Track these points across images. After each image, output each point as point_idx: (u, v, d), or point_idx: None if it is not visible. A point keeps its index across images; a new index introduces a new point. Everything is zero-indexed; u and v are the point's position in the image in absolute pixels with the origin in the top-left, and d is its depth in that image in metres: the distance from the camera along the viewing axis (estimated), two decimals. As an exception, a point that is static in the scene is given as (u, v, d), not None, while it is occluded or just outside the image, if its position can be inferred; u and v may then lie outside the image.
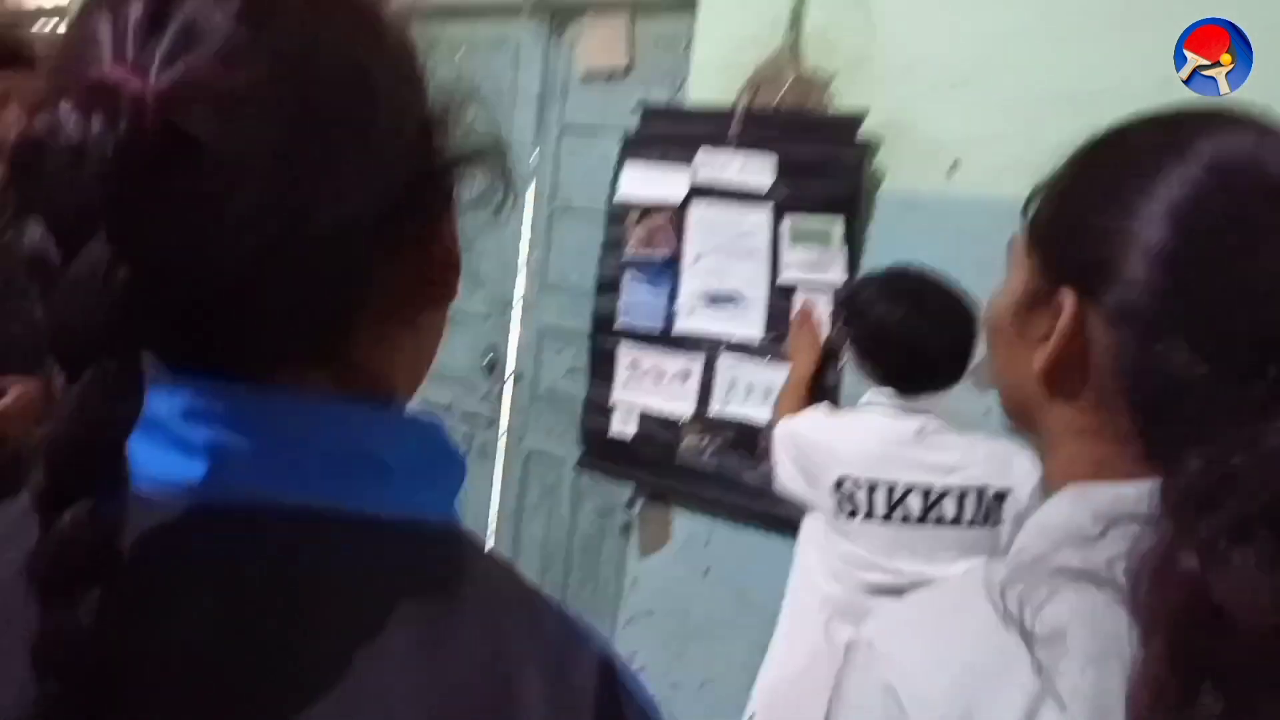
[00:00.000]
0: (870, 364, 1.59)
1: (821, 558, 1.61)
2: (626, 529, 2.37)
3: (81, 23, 0.37)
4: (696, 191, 2.10)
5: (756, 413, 2.05)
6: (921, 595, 0.55)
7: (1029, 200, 0.56)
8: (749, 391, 2.07)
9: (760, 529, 2.09)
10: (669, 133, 2.15)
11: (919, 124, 1.89)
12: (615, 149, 2.22)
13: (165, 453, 0.38)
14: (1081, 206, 0.52)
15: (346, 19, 0.40)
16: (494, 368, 2.66)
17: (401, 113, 0.41)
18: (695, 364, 2.14)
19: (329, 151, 0.37)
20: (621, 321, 2.22)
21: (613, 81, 2.40)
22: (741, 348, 2.08)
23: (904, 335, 1.52)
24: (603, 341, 2.25)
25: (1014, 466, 1.49)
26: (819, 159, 1.94)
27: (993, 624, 0.46)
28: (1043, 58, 1.74)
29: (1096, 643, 0.44)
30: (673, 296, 2.15)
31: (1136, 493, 0.46)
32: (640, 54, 2.36)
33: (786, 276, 2.02)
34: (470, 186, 0.46)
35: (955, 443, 1.52)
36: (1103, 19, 1.68)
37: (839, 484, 1.54)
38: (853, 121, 1.92)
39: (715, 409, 2.11)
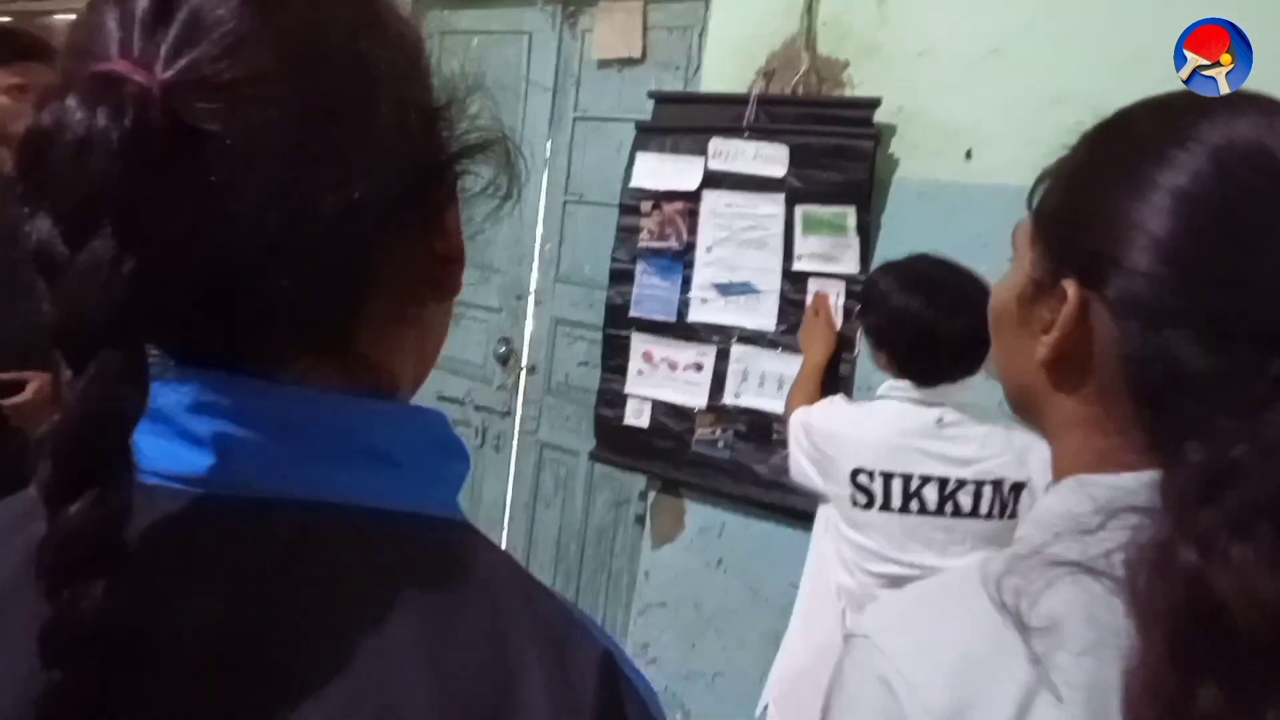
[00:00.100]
0: (887, 354, 1.58)
1: (835, 549, 1.60)
2: (640, 520, 2.37)
3: (90, 14, 0.37)
4: (710, 180, 2.08)
5: (769, 403, 2.04)
6: (919, 587, 0.55)
7: (1034, 188, 0.55)
8: (762, 382, 2.06)
9: (773, 520, 2.08)
10: (682, 121, 2.14)
11: (933, 111, 1.87)
12: (629, 138, 2.21)
13: (172, 445, 0.38)
14: (1085, 195, 0.51)
15: (350, 10, 0.40)
16: (508, 359, 2.66)
17: (405, 102, 0.41)
18: (708, 355, 2.13)
19: (334, 141, 0.37)
20: (634, 312, 2.21)
21: (626, 70, 2.40)
22: (754, 338, 2.07)
23: (922, 325, 1.50)
24: (616, 333, 2.25)
25: (1031, 458, 1.48)
26: (832, 147, 1.92)
27: (989, 616, 0.46)
28: (1058, 43, 1.72)
29: (1093, 634, 0.43)
30: (685, 287, 2.14)
31: (1137, 484, 0.46)
32: (654, 42, 2.34)
33: (800, 266, 2.00)
34: (476, 179, 0.46)
35: (973, 434, 1.50)
36: (1119, 4, 1.65)
37: (854, 474, 1.53)
38: (867, 109, 1.90)
39: (728, 400, 2.10)
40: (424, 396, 0.47)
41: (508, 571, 0.43)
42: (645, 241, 2.18)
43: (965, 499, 1.50)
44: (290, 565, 0.38)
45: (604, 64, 2.43)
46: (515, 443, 2.68)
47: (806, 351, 1.94)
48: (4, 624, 0.36)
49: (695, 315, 2.14)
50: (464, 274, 0.47)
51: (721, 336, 2.11)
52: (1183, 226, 0.46)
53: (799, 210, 1.98)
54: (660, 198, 2.15)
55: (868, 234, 1.92)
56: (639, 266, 2.20)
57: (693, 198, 2.11)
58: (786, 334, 2.03)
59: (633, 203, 2.19)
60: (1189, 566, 0.40)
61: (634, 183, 2.18)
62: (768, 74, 2.06)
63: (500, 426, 2.71)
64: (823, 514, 1.66)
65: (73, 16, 0.41)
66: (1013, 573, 0.46)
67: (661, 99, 2.19)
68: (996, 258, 0.62)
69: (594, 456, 2.33)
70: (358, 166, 0.38)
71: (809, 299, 2.00)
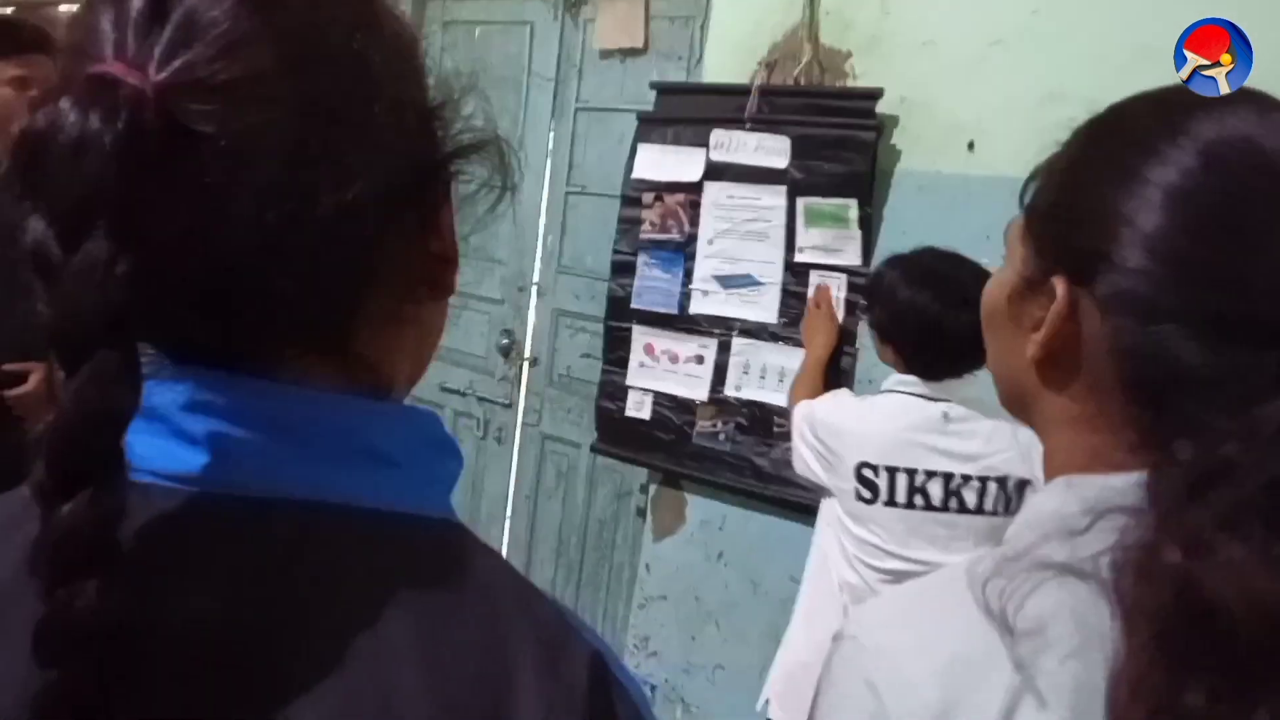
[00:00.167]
0: (893, 348, 1.57)
1: (838, 544, 1.60)
2: (641, 512, 2.37)
3: (86, 14, 0.37)
4: (711, 172, 2.08)
5: (770, 396, 2.04)
6: (905, 589, 0.55)
7: (1026, 185, 0.54)
8: (763, 375, 2.06)
9: (774, 513, 2.08)
10: (684, 112, 2.12)
11: (936, 103, 1.85)
12: (631, 129, 2.21)
13: (167, 443, 0.38)
14: (1075, 191, 0.51)
15: (346, 10, 0.40)
16: (510, 351, 2.66)
17: (401, 102, 0.41)
18: (709, 347, 2.12)
19: (331, 141, 0.37)
20: (636, 304, 2.20)
21: (629, 60, 2.38)
22: (756, 331, 2.06)
23: (929, 319, 1.49)
24: (617, 325, 2.24)
25: (1037, 454, 1.46)
26: (834, 138, 1.91)
27: (975, 618, 0.45)
28: (1061, 35, 1.70)
29: (1079, 638, 0.43)
30: (687, 279, 2.14)
31: (1126, 484, 0.45)
32: (656, 32, 2.33)
33: (801, 259, 1.99)
34: (471, 179, 0.46)
35: (979, 429, 1.49)
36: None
37: (859, 469, 1.52)
38: (869, 100, 1.89)
39: (729, 392, 2.09)
40: (426, 388, 0.48)
41: (503, 574, 0.43)
42: (647, 233, 2.18)
43: (970, 495, 1.49)
44: (287, 565, 0.38)
45: (606, 54, 2.42)
46: (517, 435, 2.68)
47: (808, 345, 1.93)
48: (4, 623, 0.36)
49: (697, 307, 2.13)
50: (458, 273, 0.47)
51: (723, 329, 2.10)
52: (1173, 222, 0.45)
53: (801, 202, 1.97)
54: (662, 189, 2.14)
55: (870, 226, 1.91)
56: (640, 258, 2.19)
57: (694, 189, 2.10)
58: (788, 327, 2.02)
59: (634, 194, 2.18)
60: (1174, 567, 0.40)
61: (635, 174, 2.17)
62: (770, 65, 2.05)
63: (502, 418, 2.71)
64: (826, 508, 1.65)
65: (75, 8, 0.41)
66: (999, 575, 0.46)
67: (663, 90, 2.18)
68: (999, 250, 0.61)
69: (595, 449, 2.32)
70: (354, 166, 0.38)
71: (811, 292, 1.99)
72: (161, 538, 0.37)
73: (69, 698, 0.32)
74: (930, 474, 1.49)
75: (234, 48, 0.35)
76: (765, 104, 2.00)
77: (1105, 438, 0.48)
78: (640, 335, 2.21)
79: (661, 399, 2.18)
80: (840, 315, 1.94)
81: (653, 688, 2.30)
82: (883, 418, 1.54)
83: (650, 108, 2.18)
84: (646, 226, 2.18)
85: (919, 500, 1.50)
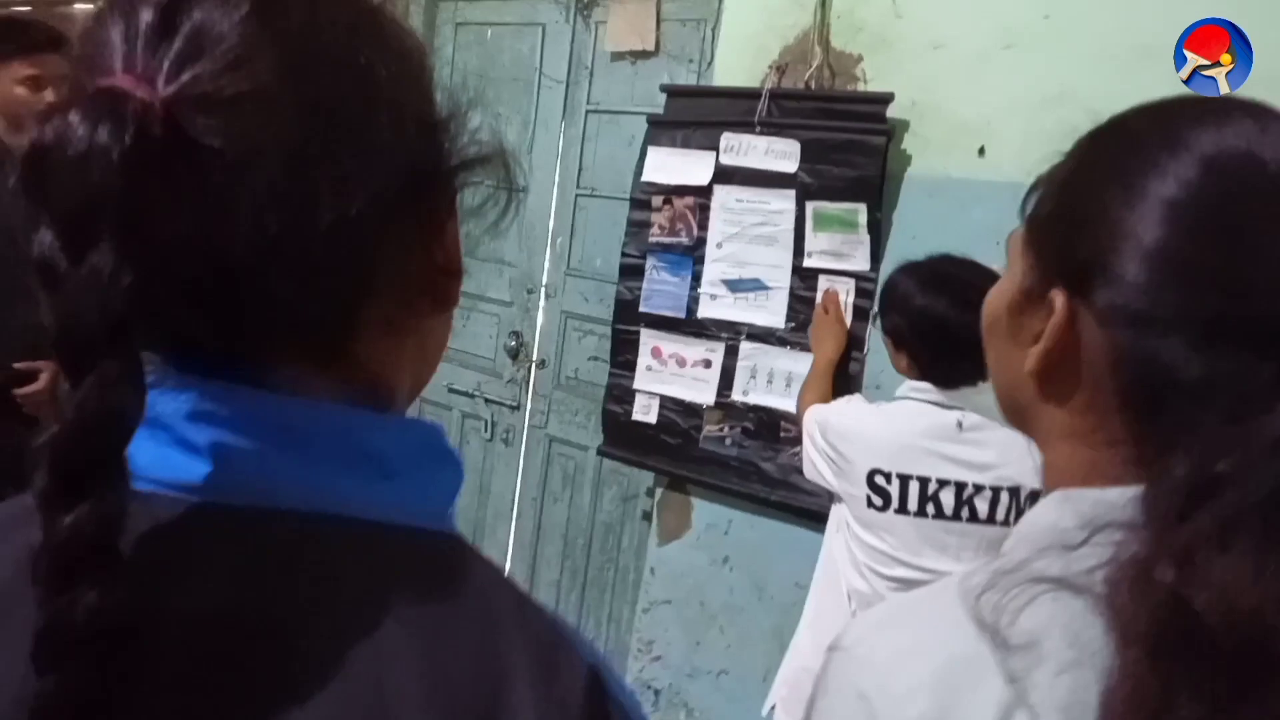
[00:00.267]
0: (908, 355, 1.55)
1: (847, 550, 1.59)
2: (647, 516, 2.36)
3: (96, 27, 0.37)
4: (721, 175, 2.07)
5: (778, 401, 2.03)
6: (899, 600, 0.55)
7: (1027, 195, 0.54)
8: (770, 379, 2.05)
9: (780, 518, 2.07)
10: (694, 115, 2.12)
11: (946, 107, 1.84)
12: (641, 131, 2.20)
13: (169, 452, 0.39)
14: (1074, 203, 0.50)
15: (352, 23, 0.40)
16: (518, 353, 2.66)
17: (406, 115, 0.41)
18: (717, 351, 2.12)
19: (335, 155, 0.38)
20: (644, 308, 2.20)
21: (639, 62, 2.38)
22: (764, 335, 2.06)
23: (947, 327, 1.47)
24: (625, 328, 2.24)
25: None
26: (844, 142, 1.90)
27: (967, 630, 0.45)
28: (1072, 40, 1.69)
29: (1072, 653, 0.43)
30: (695, 283, 2.13)
31: (1122, 498, 0.45)
32: (667, 35, 2.33)
33: (810, 263, 1.98)
34: (476, 192, 0.47)
35: (993, 439, 1.47)
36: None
37: (871, 475, 1.51)
38: (879, 104, 1.88)
39: (736, 397, 2.09)
40: (434, 389, 0.48)
41: (500, 586, 0.43)
42: (656, 236, 2.17)
43: (982, 505, 1.48)
44: (286, 574, 0.38)
45: (617, 56, 2.42)
46: (524, 436, 2.68)
47: (816, 349, 1.92)
48: (5, 624, 0.36)
49: (705, 311, 2.12)
50: (461, 286, 0.47)
51: (731, 333, 2.10)
52: (1171, 235, 0.45)
53: (810, 206, 1.96)
54: (671, 192, 2.14)
55: (878, 231, 1.90)
56: (649, 262, 2.19)
57: (704, 193, 2.10)
58: (796, 331, 2.01)
59: (644, 197, 2.18)
60: (1167, 585, 0.39)
61: (645, 177, 2.17)
62: (780, 68, 2.05)
63: (510, 420, 2.71)
64: (835, 514, 1.64)
65: (91, 7, 0.41)
66: (993, 588, 0.45)
67: (673, 93, 2.18)
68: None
69: (601, 452, 2.32)
70: (358, 180, 0.38)
71: (819, 296, 1.98)
72: (162, 546, 0.37)
73: (66, 703, 0.33)
74: (943, 482, 1.48)
75: (242, 62, 0.36)
76: (775, 107, 2.00)
77: (1103, 451, 0.48)
78: (648, 339, 2.20)
79: (668, 403, 2.18)
80: (848, 320, 1.93)
81: (656, 692, 2.30)
82: (896, 424, 1.53)
83: (660, 110, 2.18)
84: (655, 229, 2.17)
85: (930, 508, 1.48)
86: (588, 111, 2.50)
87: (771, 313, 2.04)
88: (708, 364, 2.13)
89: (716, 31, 2.19)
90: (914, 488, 1.49)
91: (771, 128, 2.00)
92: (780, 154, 1.99)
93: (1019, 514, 1.47)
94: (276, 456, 0.39)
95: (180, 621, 0.36)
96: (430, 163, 0.44)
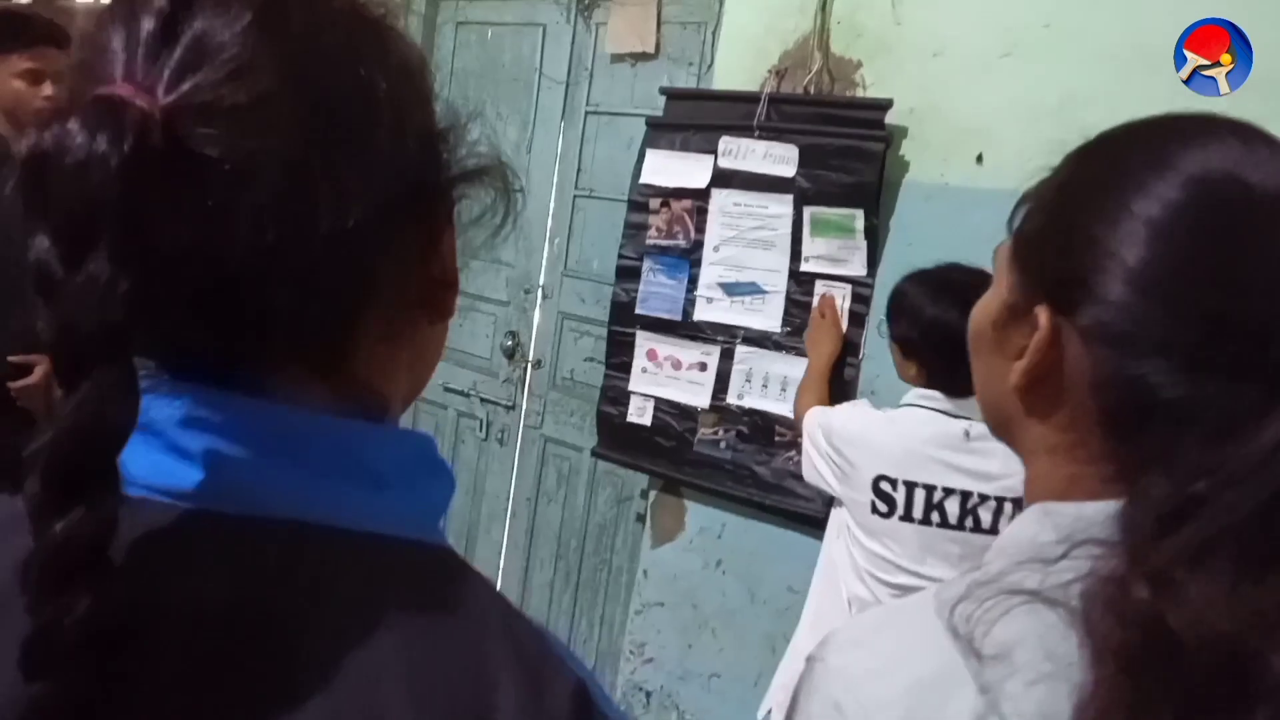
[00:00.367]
0: (918, 364, 1.55)
1: (848, 556, 1.58)
2: (640, 518, 2.36)
3: (97, 33, 0.37)
4: (719, 179, 2.07)
5: (773, 405, 2.03)
6: (875, 611, 0.55)
7: (1015, 210, 0.54)
8: (765, 383, 2.05)
9: (774, 522, 2.07)
10: (693, 118, 2.12)
11: (945, 113, 1.84)
12: (640, 133, 2.20)
13: (162, 458, 0.39)
14: (1060, 220, 0.51)
15: (353, 33, 0.41)
16: (514, 353, 2.66)
17: (405, 127, 0.42)
18: (712, 354, 2.12)
19: (333, 166, 0.38)
20: (640, 310, 2.20)
21: (639, 64, 2.38)
22: (759, 339, 2.05)
23: (959, 336, 1.46)
24: (621, 330, 2.23)
25: None
26: (843, 148, 1.90)
27: (942, 641, 0.45)
28: (1072, 47, 1.69)
29: (1046, 665, 0.43)
30: (692, 286, 2.13)
31: (1100, 514, 0.45)
32: (667, 37, 2.33)
33: (807, 268, 1.98)
34: (473, 204, 0.47)
35: (998, 449, 1.45)
36: (1133, 8, 1.62)
37: (877, 481, 1.50)
38: (878, 110, 1.88)
39: (731, 400, 2.09)
40: (429, 388, 0.48)
41: (489, 599, 0.43)
42: (653, 239, 2.17)
43: (986, 515, 1.47)
44: (277, 584, 0.38)
45: (617, 58, 2.42)
46: (519, 437, 2.68)
47: (812, 354, 1.92)
48: (4, 624, 0.36)
49: (701, 314, 2.12)
50: (457, 298, 0.48)
51: (726, 336, 2.10)
52: (1155, 255, 0.45)
53: (807, 211, 1.96)
54: (669, 195, 2.14)
55: (875, 237, 1.90)
56: (646, 264, 2.19)
57: (701, 196, 2.09)
58: (792, 336, 2.01)
59: (641, 199, 2.18)
60: (1141, 603, 0.40)
61: (643, 179, 2.17)
62: (780, 72, 2.05)
63: (505, 420, 2.70)
64: (836, 519, 1.63)
65: (91, 1, 0.41)
66: (969, 599, 0.46)
67: (672, 95, 2.18)
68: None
69: (596, 453, 2.32)
70: (357, 191, 0.38)
71: (815, 301, 1.98)
72: (153, 553, 0.37)
73: (55, 710, 0.33)
74: (948, 491, 1.47)
75: (242, 72, 0.36)
76: (774, 112, 2.00)
77: (1084, 467, 0.48)
78: (643, 341, 2.20)
79: (663, 405, 2.18)
80: (845, 325, 1.93)
81: (648, 694, 2.29)
82: (903, 431, 1.52)
83: (659, 113, 2.18)
84: (653, 232, 2.17)
85: (935, 517, 1.48)
86: (587, 113, 2.50)
87: (768, 317, 2.04)
88: (703, 367, 2.13)
89: (717, 35, 2.19)
90: (920, 495, 1.48)
91: (770, 132, 2.00)
92: (778, 158, 1.99)
93: None
94: (269, 465, 0.39)
95: (171, 627, 0.36)
96: (429, 174, 0.44)
